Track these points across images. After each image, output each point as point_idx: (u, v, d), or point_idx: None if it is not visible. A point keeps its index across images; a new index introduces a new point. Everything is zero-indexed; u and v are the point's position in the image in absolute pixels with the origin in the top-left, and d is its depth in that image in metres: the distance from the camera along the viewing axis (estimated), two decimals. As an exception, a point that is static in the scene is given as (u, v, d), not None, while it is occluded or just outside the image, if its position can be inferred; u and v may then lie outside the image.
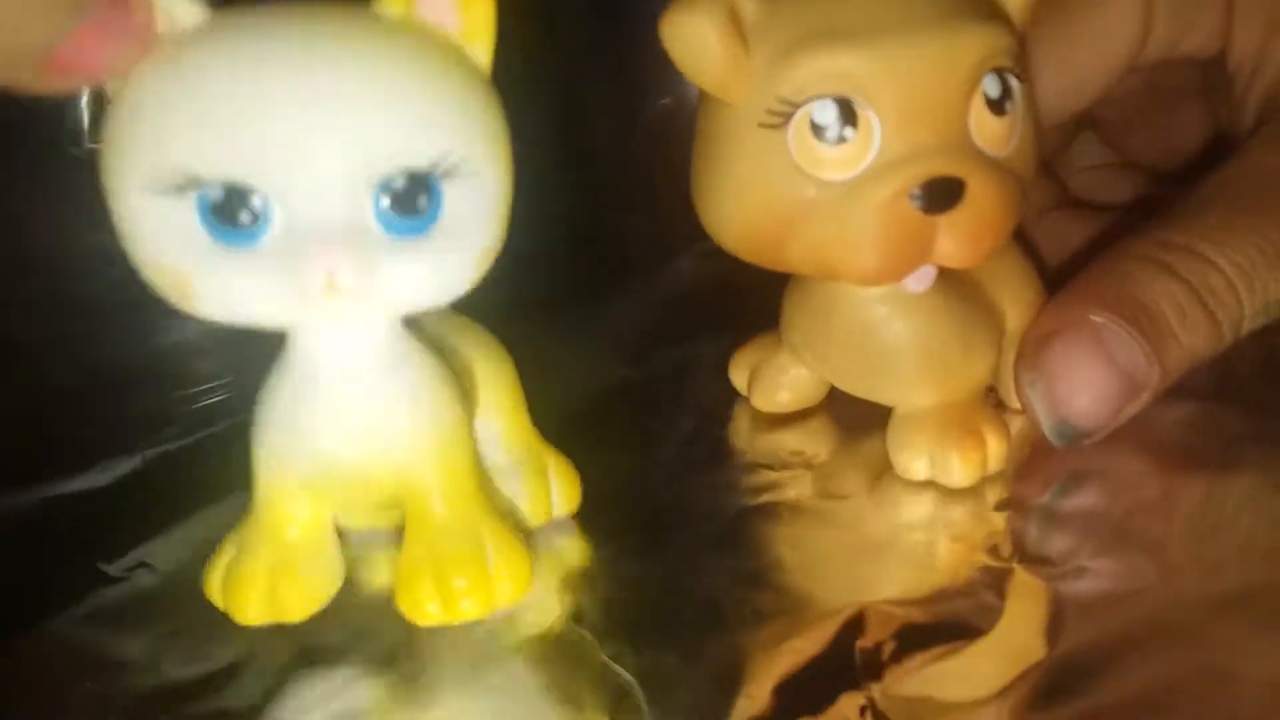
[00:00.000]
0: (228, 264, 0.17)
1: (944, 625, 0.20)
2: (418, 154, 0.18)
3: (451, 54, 0.18)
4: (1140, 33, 0.27)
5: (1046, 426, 0.24)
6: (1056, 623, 0.20)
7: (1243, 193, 0.24)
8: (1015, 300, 0.26)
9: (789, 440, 0.27)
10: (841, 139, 0.21)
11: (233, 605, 0.20)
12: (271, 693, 0.19)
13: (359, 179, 0.17)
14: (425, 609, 0.20)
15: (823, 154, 0.21)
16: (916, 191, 0.21)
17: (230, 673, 0.20)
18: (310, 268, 0.17)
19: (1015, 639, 0.20)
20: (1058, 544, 0.23)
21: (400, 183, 0.18)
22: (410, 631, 0.20)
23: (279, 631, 0.20)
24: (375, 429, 0.20)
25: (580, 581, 0.22)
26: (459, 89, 0.18)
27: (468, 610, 0.20)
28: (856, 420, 0.27)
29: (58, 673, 0.20)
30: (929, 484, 0.25)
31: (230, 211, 0.17)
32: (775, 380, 0.28)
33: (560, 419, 0.24)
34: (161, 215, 0.17)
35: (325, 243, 0.17)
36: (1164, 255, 0.24)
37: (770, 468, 0.26)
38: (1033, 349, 0.24)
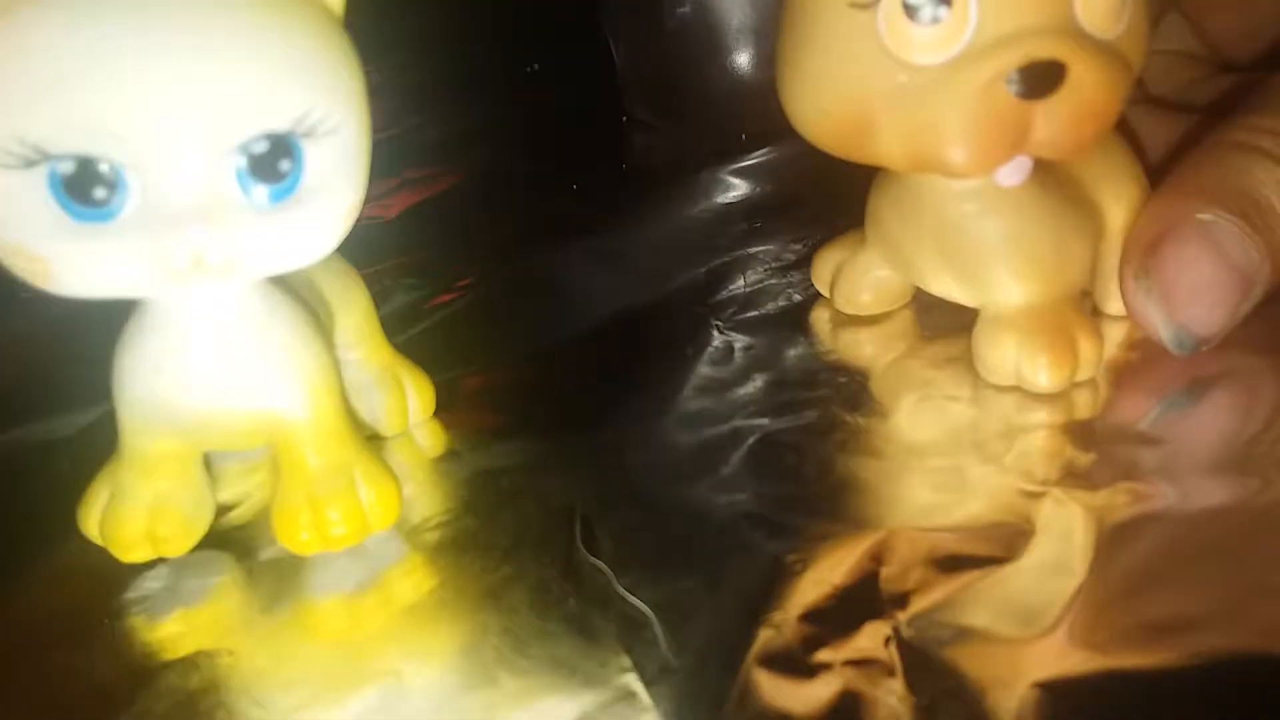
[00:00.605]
0: (86, 241, 0.16)
1: (975, 551, 0.19)
2: (277, 114, 0.17)
3: (302, 4, 0.17)
4: None
5: (1165, 334, 0.23)
6: (1098, 545, 0.19)
7: None
8: (1117, 197, 0.24)
9: (833, 353, 0.26)
10: (935, 19, 0.19)
11: (114, 546, 0.21)
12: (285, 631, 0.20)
13: (218, 143, 0.16)
14: (299, 539, 0.20)
15: (914, 36, 0.20)
16: (1014, 76, 0.19)
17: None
18: (174, 247, 0.17)
19: (1052, 563, 0.18)
20: (1111, 466, 0.21)
21: (261, 146, 0.17)
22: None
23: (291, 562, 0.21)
24: (243, 384, 0.20)
25: (595, 508, 0.21)
26: (314, 42, 0.17)
27: (340, 538, 0.20)
28: (906, 334, 0.26)
29: (68, 611, 0.20)
30: (965, 402, 0.24)
31: (84, 185, 0.16)
32: (858, 280, 0.27)
33: (582, 340, 0.23)
34: (10, 192, 0.16)
35: (188, 219, 0.16)
36: (1262, 141, 0.22)
37: (803, 385, 0.25)
38: (1141, 253, 0.23)
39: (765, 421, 0.24)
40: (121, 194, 0.16)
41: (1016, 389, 0.23)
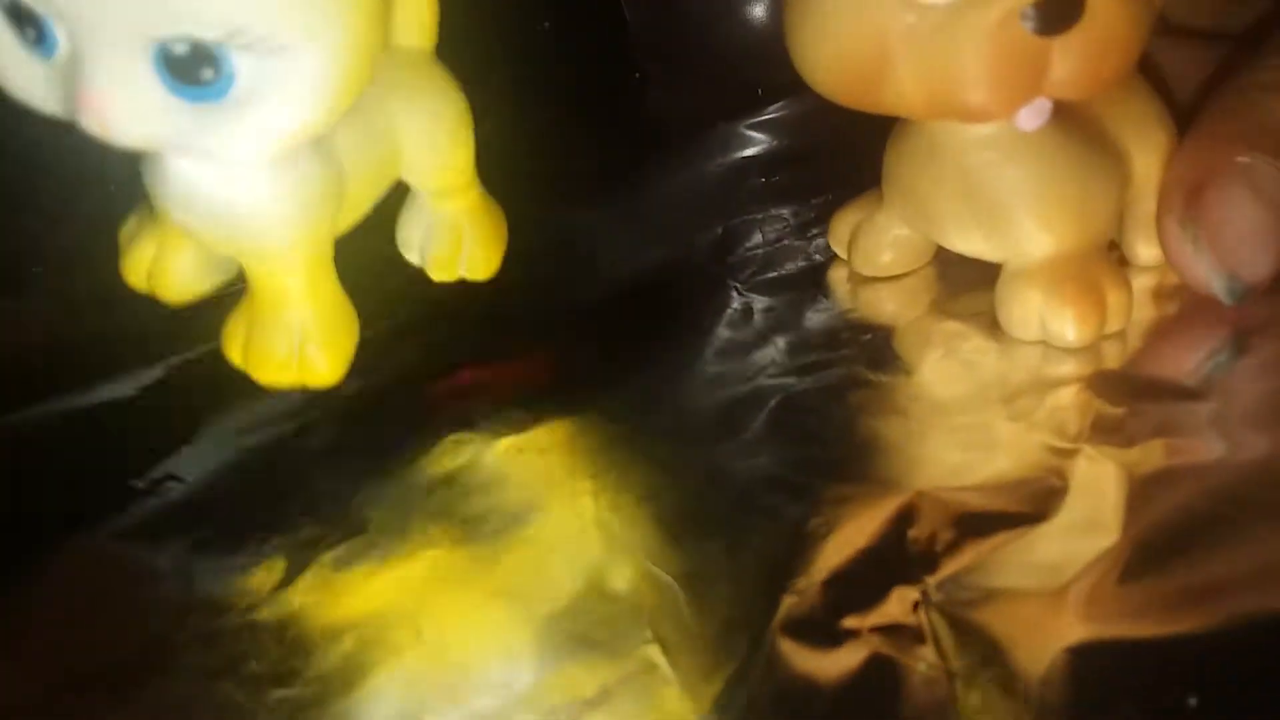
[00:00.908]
0: (30, 62, 0.17)
1: (1005, 511, 0.18)
2: (206, 24, 0.16)
3: None
4: None
5: (1216, 283, 0.22)
6: (1132, 503, 0.18)
7: None
8: (1143, 142, 0.24)
9: (855, 312, 0.26)
10: None
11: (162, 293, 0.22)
12: (305, 608, 0.19)
13: (135, 32, 0.16)
14: (234, 358, 0.21)
15: None
16: (1029, 11, 0.19)
17: (261, 583, 0.20)
18: (82, 105, 0.17)
19: (1084, 522, 0.18)
20: (1146, 421, 0.20)
21: (182, 49, 0.16)
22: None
23: (311, 542, 0.20)
24: (225, 217, 0.19)
25: (615, 474, 0.21)
26: None
27: (261, 375, 0.21)
28: (928, 290, 0.26)
29: (90, 588, 0.20)
30: (992, 356, 0.23)
31: (17, 21, 0.17)
32: (877, 240, 0.26)
33: (600, 303, 0.23)
34: None
35: (96, 85, 0.16)
36: None
37: (825, 346, 0.24)
38: (1184, 201, 0.22)
39: (789, 381, 0.23)
40: (50, 42, 0.17)
41: (1044, 343, 0.23)
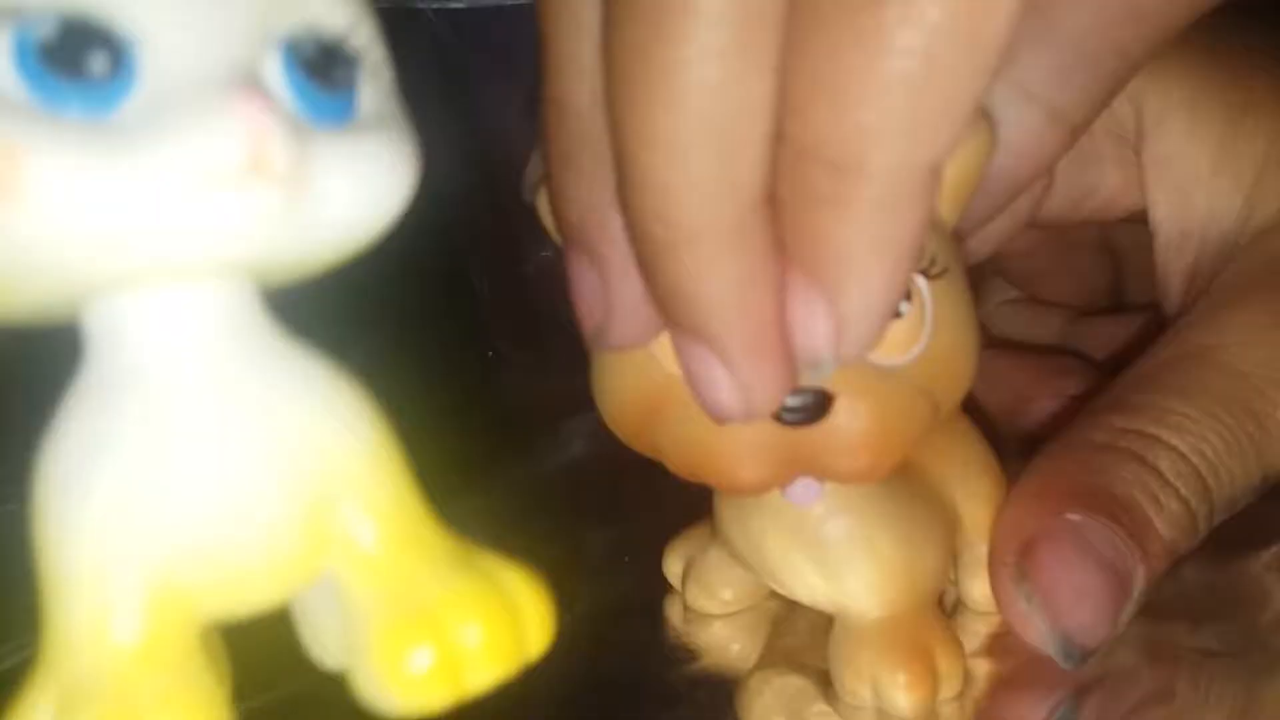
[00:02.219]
0: (64, 142, 0.11)
1: None
2: (328, 15, 0.12)
3: None
4: (1039, 185, 0.26)
5: (1051, 646, 0.21)
6: None
7: (1189, 377, 0.22)
8: (971, 490, 0.23)
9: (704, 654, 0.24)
10: None
11: None
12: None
13: (257, 27, 0.12)
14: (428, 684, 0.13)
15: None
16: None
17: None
18: (230, 130, 0.11)
19: None
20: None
21: (310, 48, 0.12)
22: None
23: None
24: (274, 466, 0.13)
25: None
26: None
27: (486, 672, 0.13)
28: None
29: None
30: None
31: (71, 55, 0.11)
32: (710, 578, 0.25)
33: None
34: None
35: (248, 96, 0.11)
36: (1127, 442, 0.22)
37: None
38: (1016, 558, 0.22)
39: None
40: (126, 73, 0.11)
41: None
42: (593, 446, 0.33)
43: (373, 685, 0.13)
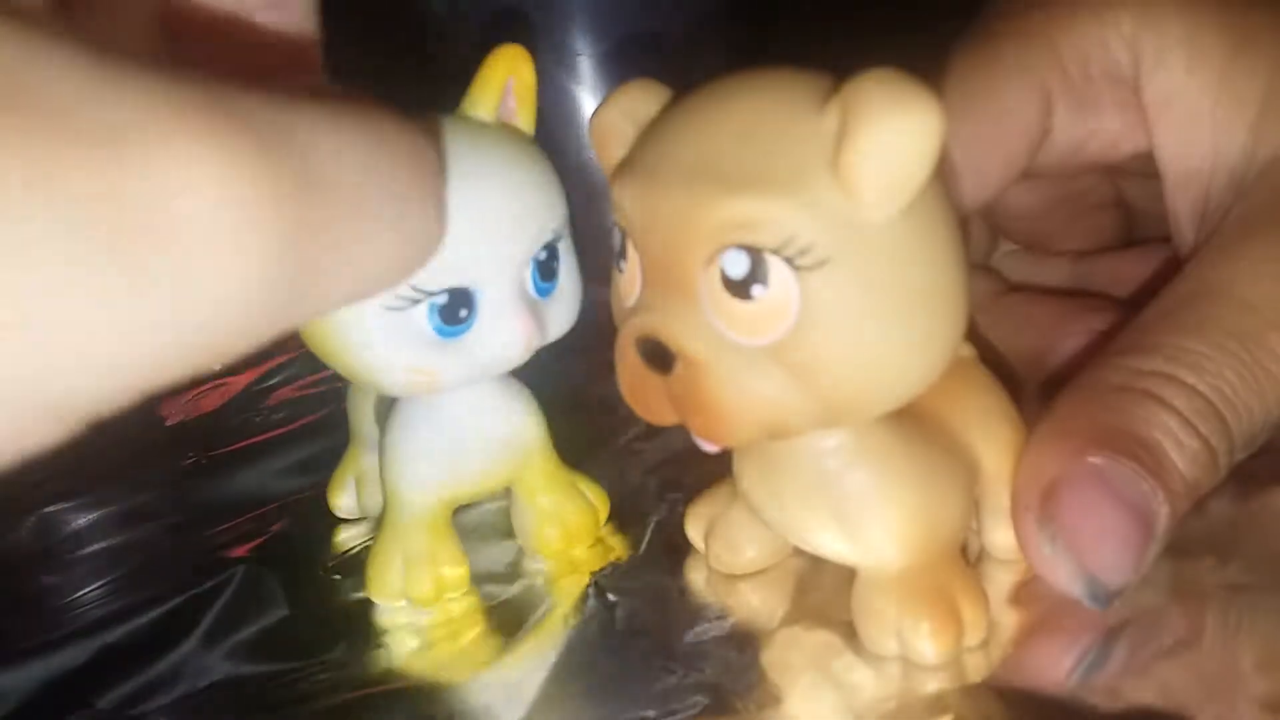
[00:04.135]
0: (454, 353, 0.23)
1: None
2: (552, 226, 0.23)
3: (524, 138, 0.24)
4: (1039, 123, 0.26)
5: (1078, 588, 0.21)
6: None
7: (1203, 314, 0.22)
8: (990, 439, 0.23)
9: (731, 612, 0.24)
10: (619, 269, 0.20)
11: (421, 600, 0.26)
12: None
13: (526, 257, 0.23)
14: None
15: (617, 278, 0.20)
16: (637, 343, 0.19)
17: None
18: (517, 341, 0.23)
19: None
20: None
21: (544, 254, 0.23)
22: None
23: None
24: (502, 443, 0.26)
25: None
26: (546, 165, 0.24)
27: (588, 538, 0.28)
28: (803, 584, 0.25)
29: None
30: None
31: (453, 311, 0.22)
32: (734, 537, 0.25)
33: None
34: (400, 324, 0.22)
35: (523, 318, 0.23)
36: (1144, 383, 0.21)
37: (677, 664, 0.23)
38: (1040, 502, 0.21)
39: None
40: (474, 312, 0.23)
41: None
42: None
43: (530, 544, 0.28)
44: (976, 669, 0.22)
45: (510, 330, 0.23)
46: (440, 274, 0.22)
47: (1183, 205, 0.25)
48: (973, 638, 0.22)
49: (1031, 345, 0.29)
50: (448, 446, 0.25)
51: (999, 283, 0.31)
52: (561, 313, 0.24)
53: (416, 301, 0.22)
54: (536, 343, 0.23)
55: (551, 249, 0.23)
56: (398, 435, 0.26)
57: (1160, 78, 0.25)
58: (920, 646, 0.21)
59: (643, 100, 0.20)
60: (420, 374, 0.23)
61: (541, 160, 0.24)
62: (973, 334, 0.26)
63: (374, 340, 0.22)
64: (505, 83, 0.23)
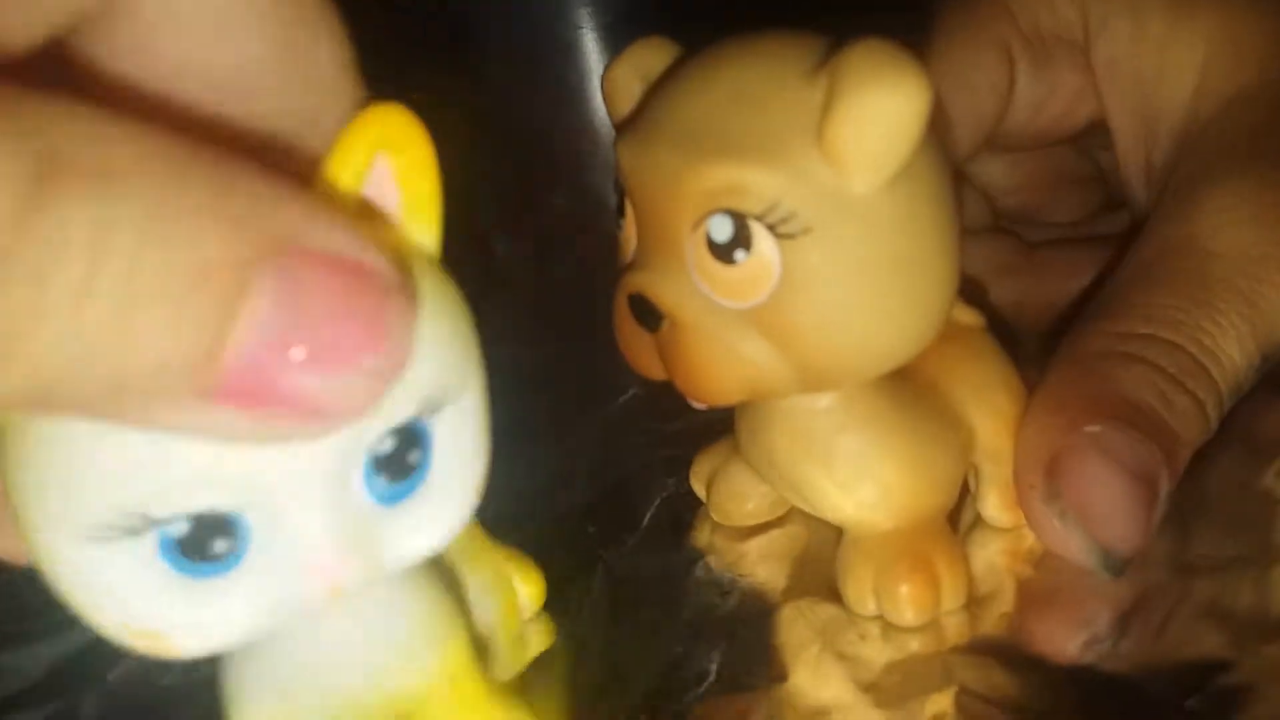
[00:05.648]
0: (206, 599, 0.14)
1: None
2: (403, 405, 0.14)
3: (407, 251, 0.14)
4: (1004, 78, 0.27)
5: (1091, 559, 0.22)
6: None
7: (1173, 270, 0.22)
8: (987, 407, 0.23)
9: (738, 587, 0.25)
10: (618, 225, 0.21)
11: None
12: None
13: (346, 460, 0.14)
14: None
15: (621, 235, 0.21)
16: (628, 300, 0.20)
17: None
18: (311, 586, 0.14)
19: None
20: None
21: (388, 445, 0.14)
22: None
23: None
24: (376, 664, 0.17)
25: None
26: (430, 302, 0.14)
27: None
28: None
29: None
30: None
31: (200, 543, 0.13)
32: (735, 488, 0.26)
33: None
34: (111, 566, 0.13)
35: (321, 554, 0.14)
36: (1126, 346, 0.22)
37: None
38: (1044, 479, 0.22)
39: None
40: (244, 542, 0.14)
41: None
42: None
43: None
44: (982, 640, 0.22)
45: (301, 568, 0.14)
46: (179, 494, 0.13)
47: (1132, 165, 0.26)
48: (950, 602, 0.22)
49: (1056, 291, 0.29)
50: (290, 679, 0.17)
51: (1020, 244, 0.31)
52: (436, 513, 0.15)
53: (134, 532, 0.13)
54: (360, 578, 0.14)
55: (409, 433, 0.14)
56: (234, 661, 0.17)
57: (1106, 42, 0.26)
58: (899, 609, 0.22)
59: (654, 58, 0.21)
60: (143, 635, 0.14)
61: (432, 295, 0.14)
62: (982, 301, 0.26)
63: (81, 583, 0.14)
64: (371, 154, 0.14)
